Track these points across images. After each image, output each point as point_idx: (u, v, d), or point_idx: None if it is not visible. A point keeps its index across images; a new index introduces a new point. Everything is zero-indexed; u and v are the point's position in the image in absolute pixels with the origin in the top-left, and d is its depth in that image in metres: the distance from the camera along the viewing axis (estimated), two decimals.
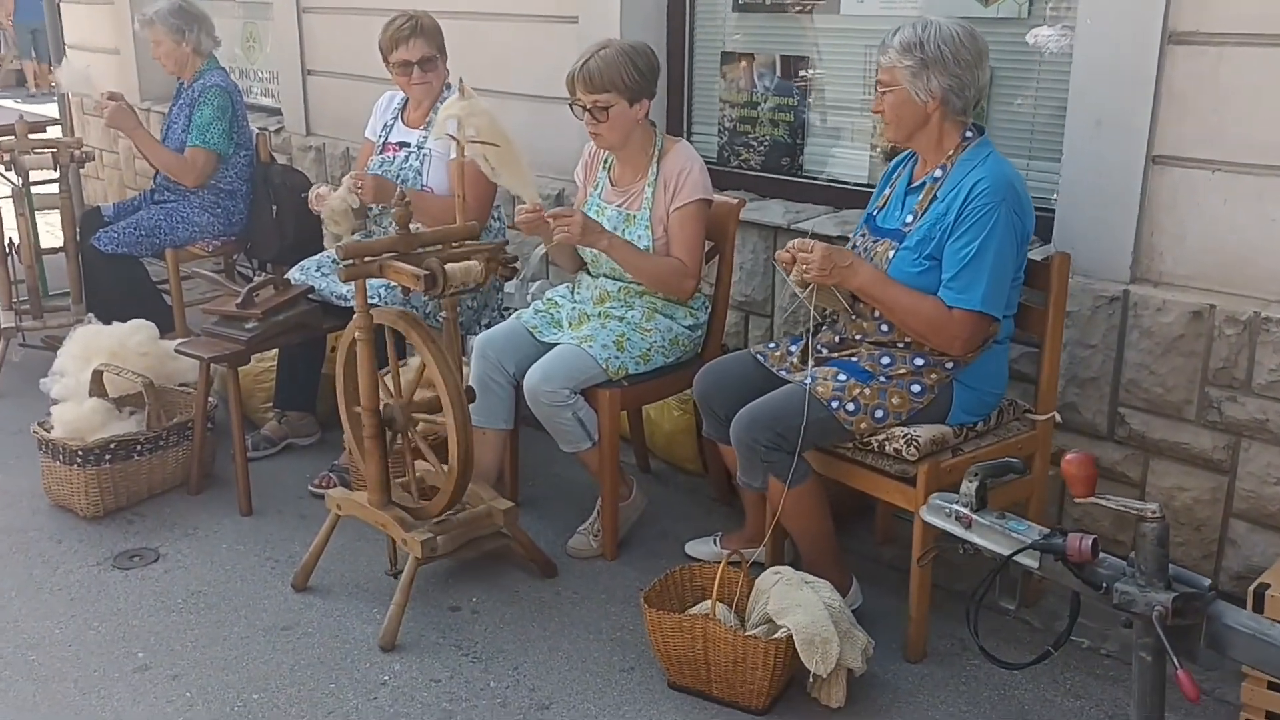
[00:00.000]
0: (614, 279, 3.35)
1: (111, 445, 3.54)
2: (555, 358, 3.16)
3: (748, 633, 2.61)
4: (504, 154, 3.04)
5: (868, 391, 2.74)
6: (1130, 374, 3.00)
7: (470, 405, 2.90)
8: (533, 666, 2.83)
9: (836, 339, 2.91)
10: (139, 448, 3.61)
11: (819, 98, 3.84)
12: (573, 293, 3.47)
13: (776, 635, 2.57)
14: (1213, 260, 2.87)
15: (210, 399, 3.77)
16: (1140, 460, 3.04)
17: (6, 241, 4.67)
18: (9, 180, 4.59)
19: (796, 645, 2.53)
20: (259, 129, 5.03)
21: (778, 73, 3.90)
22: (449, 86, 3.88)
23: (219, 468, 3.87)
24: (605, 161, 3.42)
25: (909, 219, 2.78)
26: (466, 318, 3.83)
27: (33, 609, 3.10)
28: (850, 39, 3.71)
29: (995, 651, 2.24)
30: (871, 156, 3.73)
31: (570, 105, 3.22)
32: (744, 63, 3.98)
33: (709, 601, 2.66)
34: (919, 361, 2.76)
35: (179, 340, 3.87)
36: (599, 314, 3.33)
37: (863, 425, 2.74)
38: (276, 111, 6.09)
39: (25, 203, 4.55)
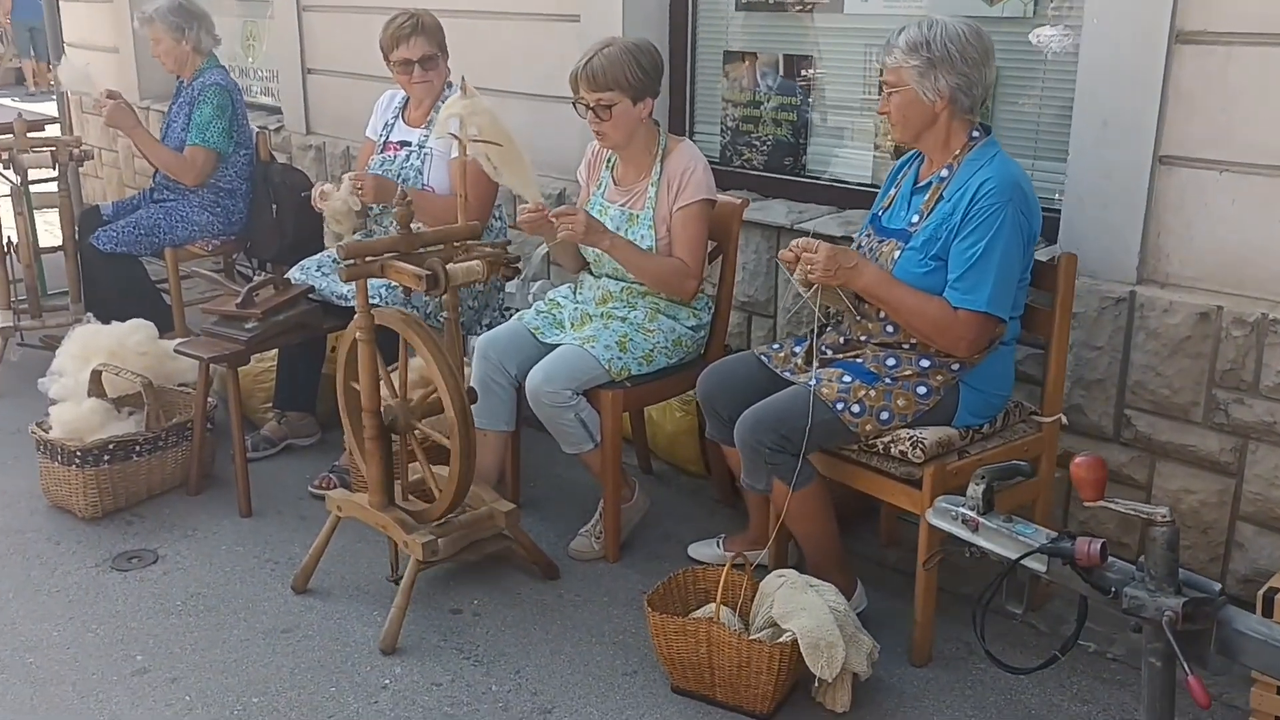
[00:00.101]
0: (617, 279, 3.33)
1: (110, 446, 3.52)
2: (558, 358, 3.14)
3: (752, 636, 2.59)
4: (507, 153, 3.02)
5: (873, 393, 2.72)
6: (1136, 376, 2.98)
7: (471, 406, 2.88)
8: (534, 670, 2.81)
9: (841, 340, 2.89)
10: (138, 448, 3.59)
11: (822, 97, 3.82)
12: (575, 293, 3.45)
13: (781, 639, 2.55)
14: (1220, 261, 2.85)
15: (210, 399, 3.75)
16: (1146, 463, 3.02)
17: (5, 240, 4.65)
18: (7, 179, 4.57)
19: (802, 649, 2.51)
20: (259, 128, 5.01)
21: (780, 72, 3.88)
22: (450, 85, 3.86)
23: (218, 468, 3.85)
24: (608, 161, 3.40)
25: (914, 219, 2.76)
26: (467, 318, 3.81)
27: (30, 611, 3.08)
28: (854, 38, 3.69)
29: (1001, 655, 2.22)
30: (875, 156, 3.71)
31: (573, 103, 3.20)
32: (747, 62, 3.96)
33: (713, 605, 2.64)
34: (925, 363, 2.74)
35: (178, 340, 3.85)
36: (601, 314, 3.31)
37: (868, 427, 2.72)
38: (276, 110, 6.07)
39: (24, 201, 4.54)
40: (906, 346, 2.77)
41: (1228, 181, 2.80)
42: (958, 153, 2.72)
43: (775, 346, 3.05)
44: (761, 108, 3.94)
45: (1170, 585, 1.78)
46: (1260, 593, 2.42)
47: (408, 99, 3.95)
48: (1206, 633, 1.77)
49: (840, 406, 2.71)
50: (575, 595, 3.13)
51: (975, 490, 2.01)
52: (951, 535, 2.05)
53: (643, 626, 2.83)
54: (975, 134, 2.73)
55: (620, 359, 3.17)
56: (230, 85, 4.59)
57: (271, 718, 2.64)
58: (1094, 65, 2.97)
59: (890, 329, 2.78)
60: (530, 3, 4.39)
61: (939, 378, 2.74)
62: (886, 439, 2.72)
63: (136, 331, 3.89)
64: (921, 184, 2.80)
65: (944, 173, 2.73)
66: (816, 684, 2.60)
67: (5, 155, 4.48)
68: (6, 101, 12.46)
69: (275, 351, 3.98)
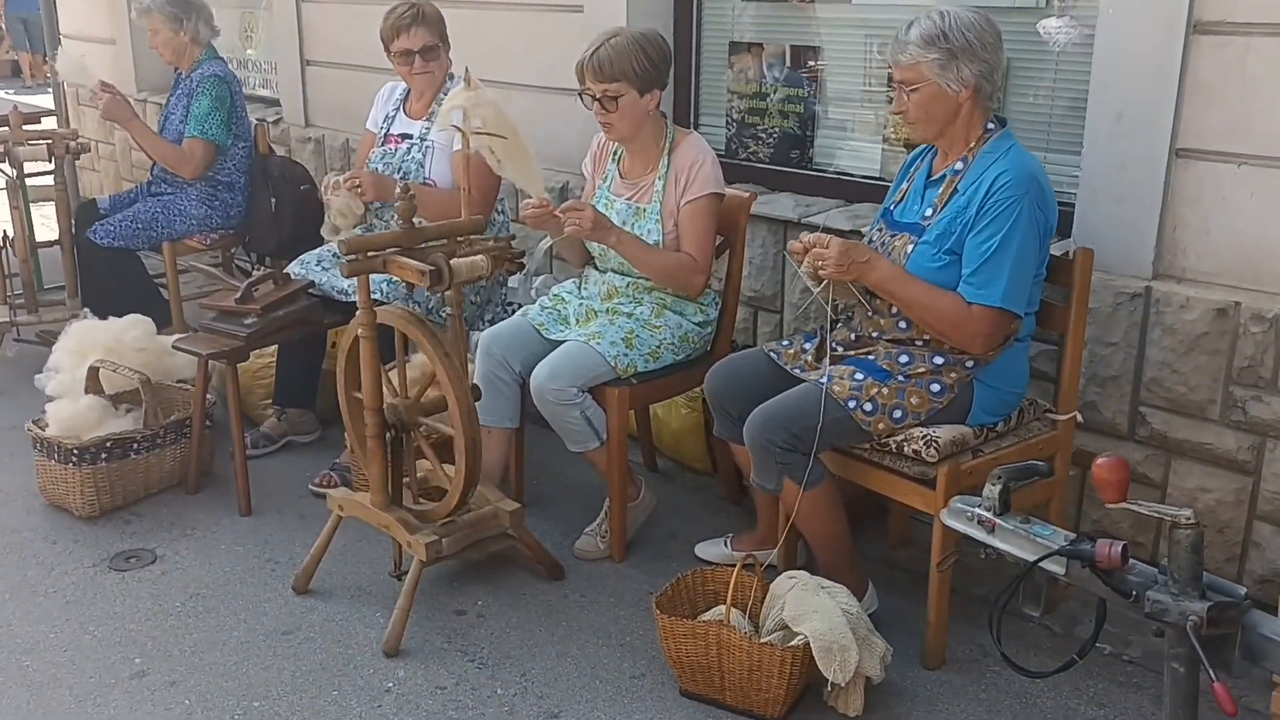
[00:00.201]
0: (622, 274, 3.27)
1: (107, 443, 3.47)
2: (563, 355, 3.09)
3: (763, 639, 2.54)
4: (511, 146, 2.97)
5: (886, 391, 2.67)
6: (1152, 372, 2.93)
7: (475, 404, 2.83)
8: (540, 673, 2.76)
9: (853, 336, 2.84)
10: (136, 446, 3.54)
11: (829, 89, 3.76)
12: (580, 288, 3.40)
13: (793, 643, 2.50)
14: (1238, 256, 2.80)
15: (209, 396, 3.70)
16: (1162, 461, 2.97)
17: (1, 234, 4.61)
18: (3, 172, 4.54)
19: (814, 653, 2.46)
20: (257, 120, 4.97)
21: (787, 63, 3.82)
22: (452, 77, 3.81)
23: (217, 466, 3.80)
24: (614, 154, 3.35)
25: (928, 213, 2.70)
26: (470, 314, 3.76)
27: (27, 612, 3.03)
28: (861, 29, 3.64)
29: (1015, 658, 2.17)
30: (883, 149, 3.66)
31: (580, 95, 3.15)
32: (753, 53, 3.91)
33: (723, 607, 2.60)
34: (938, 360, 2.69)
35: (176, 336, 3.80)
36: (607, 310, 3.26)
37: (880, 425, 2.67)
38: (275, 102, 6.02)
39: (20, 195, 4.52)
40: (920, 343, 2.72)
41: (1246, 174, 2.75)
42: (973, 145, 2.67)
43: (784, 343, 3.00)
44: (768, 100, 3.89)
45: (1194, 589, 1.75)
46: None
47: (409, 91, 3.89)
48: (1231, 637, 1.74)
49: (852, 404, 2.66)
50: (581, 596, 3.08)
51: (991, 491, 1.98)
52: (966, 536, 2.01)
53: (650, 628, 2.79)
54: (990, 125, 2.67)
55: (626, 355, 3.12)
56: (229, 77, 4.54)
57: None
58: (1109, 56, 2.91)
59: (903, 325, 2.73)
60: None
61: (953, 375, 2.69)
62: (899, 438, 2.67)
63: (134, 327, 3.85)
64: (935, 177, 2.75)
65: (959, 165, 2.68)
66: (829, 688, 2.56)
67: (1, 148, 4.44)
68: (2, 94, 12.39)
69: (275, 347, 3.93)
